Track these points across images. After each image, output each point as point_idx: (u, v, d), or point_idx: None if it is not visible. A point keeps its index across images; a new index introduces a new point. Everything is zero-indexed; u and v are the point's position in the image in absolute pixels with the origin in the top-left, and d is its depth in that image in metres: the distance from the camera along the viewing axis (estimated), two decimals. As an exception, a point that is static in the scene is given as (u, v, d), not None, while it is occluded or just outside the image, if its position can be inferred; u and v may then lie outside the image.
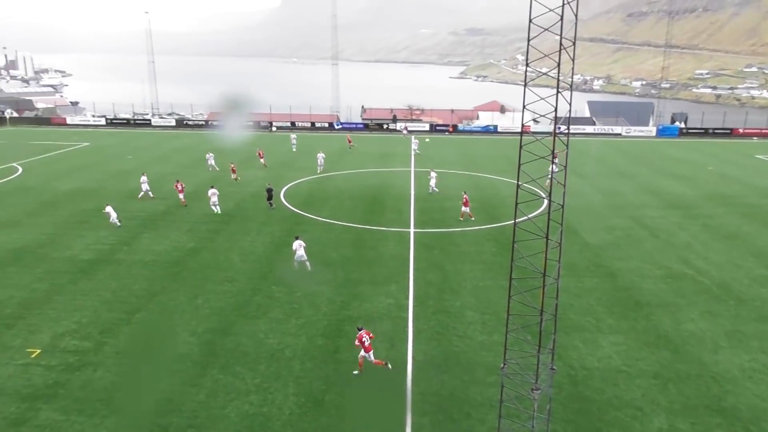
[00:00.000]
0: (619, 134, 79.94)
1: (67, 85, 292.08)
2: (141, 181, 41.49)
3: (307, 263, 27.41)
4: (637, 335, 21.62)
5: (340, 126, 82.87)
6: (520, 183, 12.29)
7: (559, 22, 11.20)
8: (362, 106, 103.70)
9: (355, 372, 18.90)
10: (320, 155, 51.46)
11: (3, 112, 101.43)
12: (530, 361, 14.89)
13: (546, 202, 13.88)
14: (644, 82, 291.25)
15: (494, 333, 21.43)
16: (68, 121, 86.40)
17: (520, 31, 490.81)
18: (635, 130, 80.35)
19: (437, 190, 42.80)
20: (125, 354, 20.03)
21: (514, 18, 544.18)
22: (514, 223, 12.85)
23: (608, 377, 18.80)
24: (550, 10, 11.34)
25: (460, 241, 32.12)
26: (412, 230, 34.05)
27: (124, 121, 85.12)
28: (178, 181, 40.61)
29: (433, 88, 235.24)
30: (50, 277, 26.73)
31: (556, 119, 11.77)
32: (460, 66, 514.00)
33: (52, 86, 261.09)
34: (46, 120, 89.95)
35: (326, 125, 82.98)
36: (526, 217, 13.35)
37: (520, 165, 12.19)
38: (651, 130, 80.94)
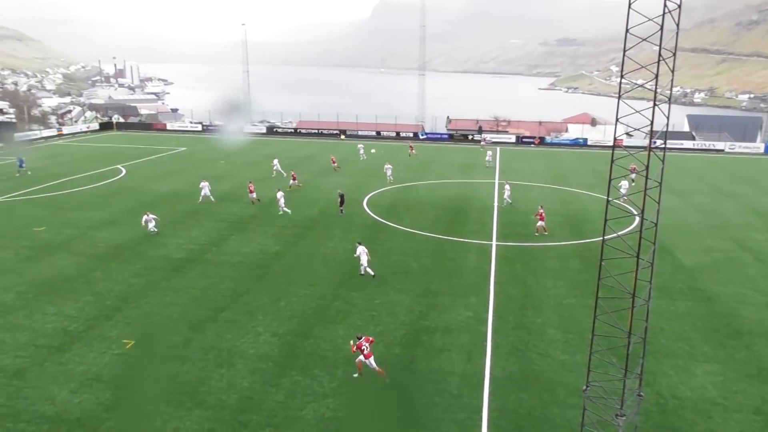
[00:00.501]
0: (722, 150, 75.35)
1: (168, 93, 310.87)
2: (201, 186, 43.18)
3: (369, 270, 27.77)
4: (736, 366, 20.21)
5: (424, 136, 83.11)
6: (610, 198, 11.86)
7: (659, 32, 10.76)
8: (447, 117, 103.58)
9: (356, 375, 19.12)
10: (388, 166, 51.48)
11: (111, 118, 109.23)
12: (615, 385, 14.27)
13: (638, 219, 13.30)
14: (752, 96, 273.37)
15: (577, 353, 20.70)
16: (168, 127, 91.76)
17: (615, 42, 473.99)
18: (740, 147, 75.46)
19: (511, 201, 41.97)
20: (211, 349, 20.93)
21: (608, 28, 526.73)
22: (603, 240, 12.40)
23: (702, 409, 17.68)
24: (649, 20, 10.91)
25: (544, 256, 31.32)
26: (494, 243, 33.56)
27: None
28: (250, 182, 43.28)
29: (520, 100, 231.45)
30: (146, 273, 28.42)
31: (652, 133, 11.28)
32: (550, 77, 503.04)
33: (155, 94, 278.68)
34: (148, 125, 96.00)
35: (411, 135, 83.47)
36: (615, 234, 12.86)
37: (611, 180, 11.79)
38: (759, 146, 75.72)
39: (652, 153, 11.40)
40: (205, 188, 42.73)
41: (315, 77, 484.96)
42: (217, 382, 18.86)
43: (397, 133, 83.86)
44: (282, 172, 52.51)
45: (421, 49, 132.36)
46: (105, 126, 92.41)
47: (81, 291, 26.07)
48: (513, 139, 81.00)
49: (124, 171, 55.14)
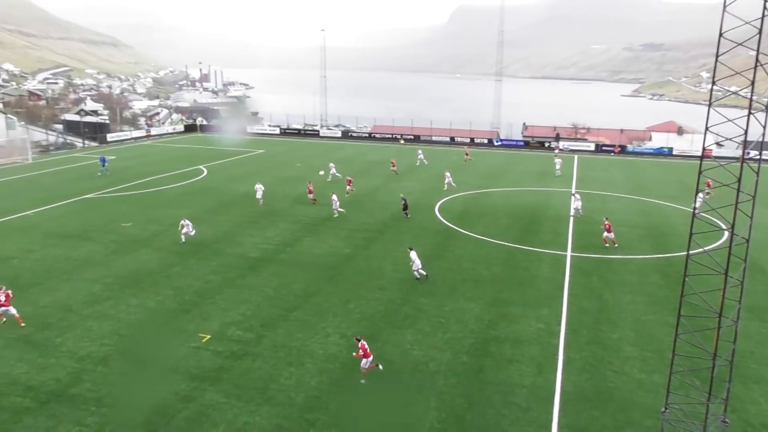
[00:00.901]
0: (824, 163, 69.99)
1: (249, 97, 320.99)
2: (256, 188, 43.99)
3: (421, 271, 28.04)
4: (834, 396, 18.68)
5: (499, 142, 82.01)
6: (697, 211, 11.28)
7: (756, 36, 10.14)
8: (524, 123, 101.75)
9: (363, 381, 19.19)
10: (447, 174, 50.72)
11: (195, 120, 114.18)
12: (697, 409, 13.52)
13: (726, 234, 12.57)
14: None
15: (655, 372, 19.76)
16: (248, 130, 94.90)
17: (706, 46, 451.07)
18: None
19: (582, 213, 40.62)
20: (282, 347, 21.43)
21: (698, 32, 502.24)
22: (687, 255, 11.79)
23: (793, 440, 16.44)
24: (746, 23, 10.30)
25: (622, 270, 30.14)
26: (568, 253, 32.61)
27: (296, 131, 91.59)
28: (310, 183, 45.30)
29: (601, 107, 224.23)
30: (223, 270, 29.47)
31: (746, 143, 10.64)
32: (634, 83, 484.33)
33: (236, 97, 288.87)
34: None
35: (485, 141, 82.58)
36: (701, 250, 12.19)
37: (697, 192, 11.20)
38: None
39: (745, 164, 10.74)
40: (259, 191, 43.68)
41: (390, 83, 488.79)
42: (286, 380, 19.27)
43: (472, 139, 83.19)
44: (338, 175, 53.05)
45: (498, 54, 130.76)
46: (189, 128, 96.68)
47: (162, 285, 27.35)
48: (592, 147, 78.55)
49: (205, 171, 57.47)
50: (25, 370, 19.74)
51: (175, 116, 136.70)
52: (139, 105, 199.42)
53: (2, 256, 31.15)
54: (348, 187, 46.66)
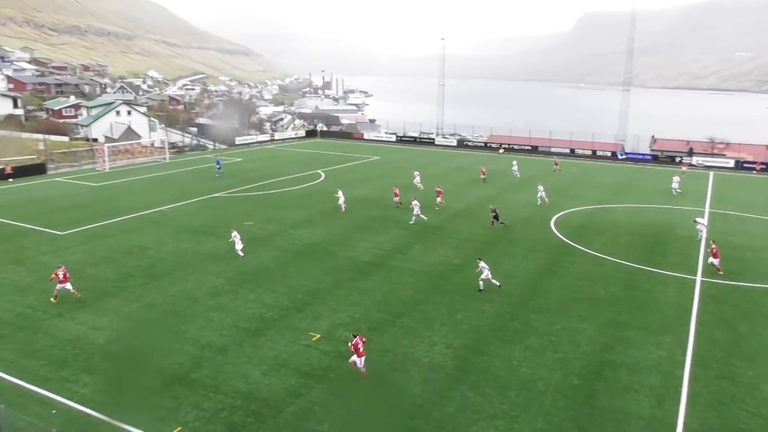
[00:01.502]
0: None
1: (368, 105, 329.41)
2: (337, 195, 44.39)
3: (494, 281, 27.73)
4: None
5: (624, 156, 77.98)
6: None
7: None
8: (652, 137, 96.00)
9: (353, 367, 20.13)
10: (540, 188, 48.23)
11: (316, 126, 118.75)
12: None
13: None
14: None
15: (795, 416, 17.84)
16: (365, 137, 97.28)
17: None
18: None
19: (707, 236, 37.23)
20: (387, 352, 21.69)
21: None
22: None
23: None
24: None
25: (762, 300, 27.52)
26: (698, 278, 30.30)
27: (411, 139, 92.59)
28: (395, 187, 46.16)
29: (745, 120, 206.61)
30: (335, 272, 30.36)
31: None
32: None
33: (355, 105, 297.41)
34: (347, 134, 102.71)
35: (608, 154, 78.88)
36: None
37: None
38: None
39: None
40: (341, 197, 44.13)
41: (509, 92, 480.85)
42: (389, 386, 19.46)
43: (594, 152, 79.77)
44: (420, 186, 52.33)
45: (627, 62, 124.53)
46: (310, 133, 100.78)
47: (277, 283, 28.66)
48: (731, 163, 72.53)
49: (323, 175, 59.58)
50: (154, 352, 21.43)
51: (297, 122, 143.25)
52: (265, 111, 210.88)
53: (140, 247, 34.10)
54: (438, 199, 45.47)
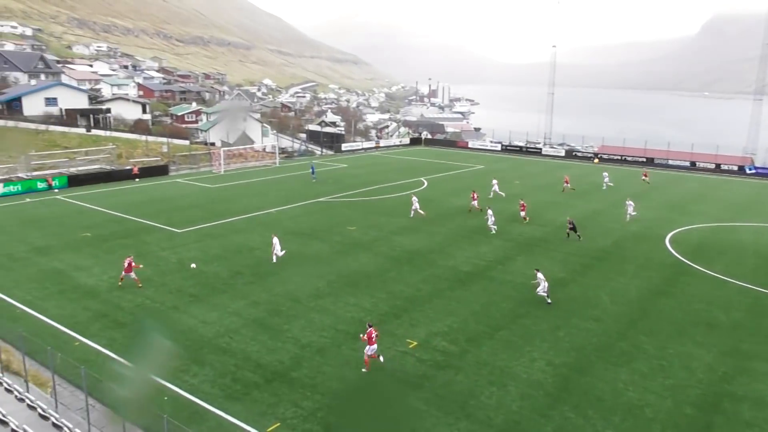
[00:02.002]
0: None
1: (473, 113, 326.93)
2: (412, 200, 44.29)
3: (544, 297, 26.75)
4: None
5: (753, 170, 72.04)
6: None
7: None
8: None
9: (364, 370, 20.50)
10: (629, 203, 45.13)
11: (420, 134, 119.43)
12: None
13: None
14: None
15: None
16: (470, 145, 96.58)
17: None
18: None
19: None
20: (485, 365, 21.32)
21: None
22: None
23: None
24: None
25: None
26: (837, 308, 27.34)
27: (517, 148, 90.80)
28: (474, 192, 46.48)
29: None
30: (434, 280, 30.32)
31: None
32: None
33: (461, 113, 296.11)
34: (452, 143, 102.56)
35: (734, 168, 73.19)
36: None
37: None
38: None
39: None
40: (415, 203, 44.03)
41: (625, 101, 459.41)
42: (486, 399, 19.12)
43: (717, 165, 74.33)
44: (501, 194, 51.82)
45: (760, 69, 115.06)
46: (414, 141, 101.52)
47: (377, 288, 29.04)
48: None
49: (426, 183, 59.77)
50: (257, 349, 22.40)
51: (402, 129, 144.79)
52: (371, 118, 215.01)
53: (249, 247, 35.81)
54: (522, 213, 43.58)
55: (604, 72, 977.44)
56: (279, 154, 77.11)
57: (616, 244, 37.91)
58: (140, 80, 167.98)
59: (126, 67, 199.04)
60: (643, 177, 63.36)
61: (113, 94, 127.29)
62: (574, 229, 38.49)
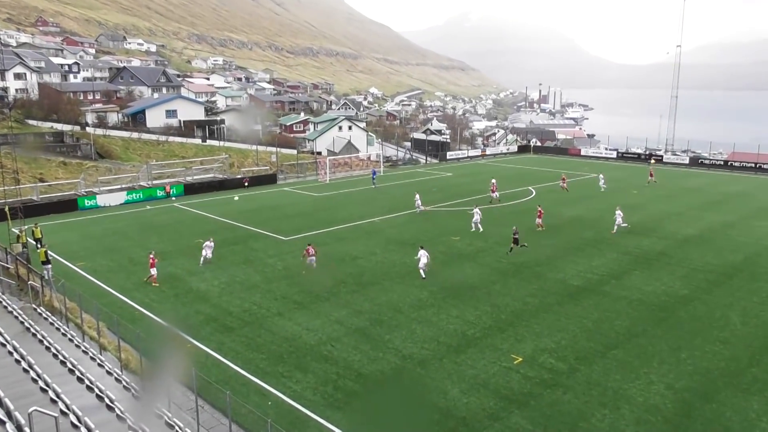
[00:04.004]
0: None
1: (587, 119, 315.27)
2: (473, 211, 42.91)
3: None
4: None
5: None
6: None
7: None
8: None
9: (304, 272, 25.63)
10: (618, 213, 41.65)
11: (529, 141, 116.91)
12: None
13: None
14: None
15: None
16: (582, 153, 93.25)
17: None
18: None
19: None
20: (596, 386, 20.41)
21: None
22: None
23: None
24: None
25: None
26: None
27: (635, 156, 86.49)
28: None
29: None
30: (541, 294, 29.48)
31: None
32: None
33: (573, 119, 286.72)
34: (563, 150, 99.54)
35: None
36: None
37: None
38: None
39: None
40: (477, 215, 42.46)
41: (761, 103, 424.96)
42: (598, 422, 18.29)
43: None
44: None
45: None
46: (523, 149, 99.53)
47: (481, 300, 28.66)
48: None
49: (534, 192, 58.37)
50: (359, 358, 22.79)
51: (510, 137, 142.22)
52: (478, 125, 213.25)
53: (352, 256, 36.59)
54: (538, 220, 42.53)
55: (736, 73, 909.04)
56: (383, 162, 78.29)
57: (749, 260, 35.06)
58: (252, 92, 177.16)
59: (239, 79, 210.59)
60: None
61: (227, 106, 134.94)
62: (516, 241, 35.89)
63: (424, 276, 31.56)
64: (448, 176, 70.54)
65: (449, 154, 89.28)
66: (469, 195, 56.60)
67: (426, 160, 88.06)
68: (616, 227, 41.49)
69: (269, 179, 66.78)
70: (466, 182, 64.83)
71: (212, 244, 35.32)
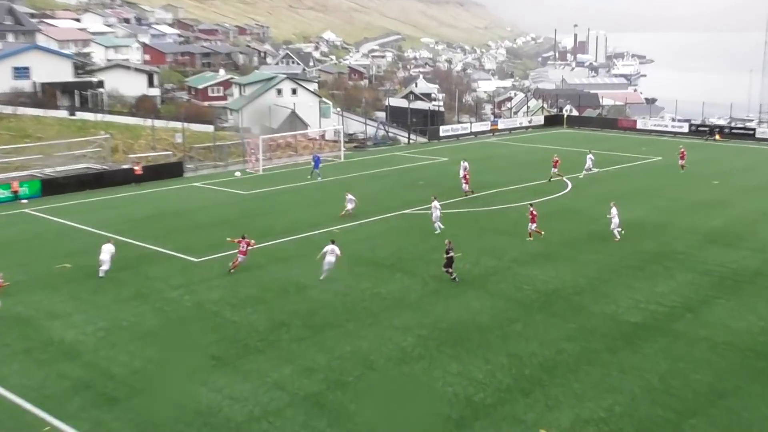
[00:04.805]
0: None
1: (644, 76, 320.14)
2: (431, 206, 45.01)
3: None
4: None
5: None
6: None
7: None
8: None
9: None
10: (613, 210, 43.43)
11: (561, 109, 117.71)
12: None
13: None
14: None
15: None
16: (638, 126, 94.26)
17: None
18: None
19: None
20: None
21: None
22: None
23: None
24: None
25: None
26: None
27: (717, 129, 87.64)
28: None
29: None
30: (583, 336, 29.39)
31: None
32: None
33: (624, 76, 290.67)
34: (610, 122, 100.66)
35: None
36: None
37: None
38: None
39: None
40: (436, 210, 44.62)
41: None
42: None
43: None
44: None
45: None
46: (551, 121, 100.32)
47: (494, 348, 28.44)
48: None
49: (569, 185, 58.62)
50: (310, 439, 22.39)
51: (533, 103, 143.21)
52: (485, 86, 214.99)
53: (299, 284, 36.13)
54: (532, 226, 43.61)
55: None
56: (345, 143, 78.08)
57: None
58: (146, 39, 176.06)
59: (127, 21, 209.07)
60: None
61: (108, 61, 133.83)
62: (449, 262, 35.86)
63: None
64: (442, 162, 70.54)
65: (443, 130, 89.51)
66: (477, 189, 56.55)
67: (409, 138, 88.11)
68: (617, 231, 42.99)
69: (172, 170, 66.08)
70: (471, 171, 64.65)
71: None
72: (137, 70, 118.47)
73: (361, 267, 38.50)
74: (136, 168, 62.91)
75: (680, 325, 30.54)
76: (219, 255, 40.87)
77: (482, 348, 28.53)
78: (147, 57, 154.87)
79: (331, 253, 35.27)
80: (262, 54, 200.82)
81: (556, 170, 61.10)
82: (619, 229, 42.74)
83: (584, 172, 62.49)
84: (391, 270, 38.14)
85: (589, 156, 62.82)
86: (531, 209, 43.48)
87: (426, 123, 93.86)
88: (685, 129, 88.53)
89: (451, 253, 35.78)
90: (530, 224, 43.04)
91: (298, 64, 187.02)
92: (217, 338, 29.61)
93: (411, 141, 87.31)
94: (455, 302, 33.38)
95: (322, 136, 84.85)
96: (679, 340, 29.10)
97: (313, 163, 64.84)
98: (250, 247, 37.60)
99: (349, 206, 48.99)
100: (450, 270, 35.88)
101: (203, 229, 47.07)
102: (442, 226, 44.43)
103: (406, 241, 43.42)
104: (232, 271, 37.46)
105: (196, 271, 38.67)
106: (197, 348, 28.83)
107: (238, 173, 64.42)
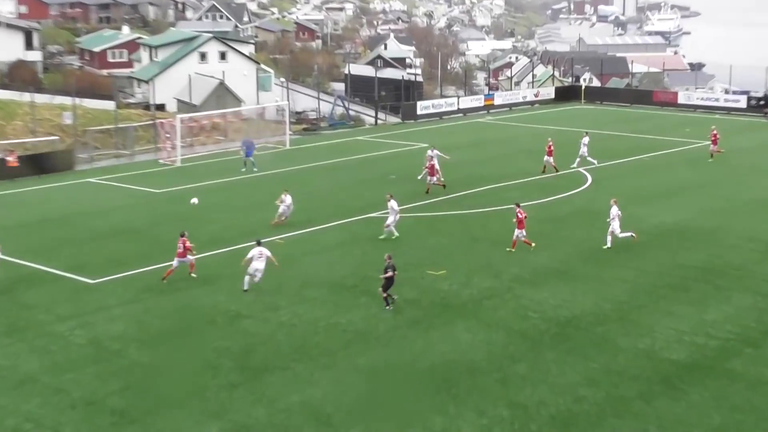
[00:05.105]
0: None
1: (687, 33, 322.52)
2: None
3: None
4: None
5: None
6: None
7: None
8: None
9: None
10: (613, 212, 44.18)
11: (577, 78, 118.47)
12: None
13: None
14: None
15: None
16: (679, 100, 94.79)
17: None
18: None
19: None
20: None
21: None
22: None
23: None
24: None
25: None
26: None
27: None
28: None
29: None
30: (608, 379, 29.47)
31: None
32: None
33: (662, 35, 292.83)
34: (643, 95, 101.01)
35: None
36: None
37: None
38: None
39: None
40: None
41: None
42: None
43: None
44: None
45: None
46: (564, 93, 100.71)
47: (491, 396, 28.49)
48: None
49: (589, 179, 58.95)
50: None
51: (540, 70, 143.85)
52: (477, 49, 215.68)
53: (230, 312, 35.98)
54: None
55: None
56: (292, 124, 77.93)
57: None
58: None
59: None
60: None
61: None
62: (389, 282, 35.97)
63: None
64: (421, 149, 70.61)
65: (422, 107, 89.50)
66: (463, 186, 56.75)
67: (376, 118, 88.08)
68: (622, 236, 43.65)
69: (59, 161, 65.62)
70: (455, 161, 64.78)
71: None
72: (9, 26, 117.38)
73: (312, 289, 38.42)
74: (9, 158, 62.37)
75: (737, 364, 30.78)
76: (123, 275, 40.69)
77: (475, 396, 28.57)
78: (23, 9, 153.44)
79: (260, 258, 35.78)
80: (180, 5, 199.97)
81: (551, 159, 62.21)
82: (627, 234, 43.20)
83: (578, 159, 63.44)
84: (353, 293, 38.08)
85: (584, 140, 63.98)
86: (518, 210, 43.52)
87: (399, 98, 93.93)
88: (743, 103, 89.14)
89: (390, 272, 35.47)
90: (516, 231, 43.13)
91: (228, 19, 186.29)
92: (119, 386, 29.34)
93: (379, 122, 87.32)
94: (438, 335, 33.39)
95: (261, 115, 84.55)
96: (736, 383, 29.30)
97: (243, 151, 64.87)
98: (188, 252, 38.77)
99: (282, 210, 48.83)
100: (388, 294, 35.76)
101: (101, 240, 46.76)
102: (396, 233, 44.98)
103: (373, 254, 43.25)
104: (164, 280, 38.61)
105: (91, 296, 38.39)
106: (95, 400, 28.54)
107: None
